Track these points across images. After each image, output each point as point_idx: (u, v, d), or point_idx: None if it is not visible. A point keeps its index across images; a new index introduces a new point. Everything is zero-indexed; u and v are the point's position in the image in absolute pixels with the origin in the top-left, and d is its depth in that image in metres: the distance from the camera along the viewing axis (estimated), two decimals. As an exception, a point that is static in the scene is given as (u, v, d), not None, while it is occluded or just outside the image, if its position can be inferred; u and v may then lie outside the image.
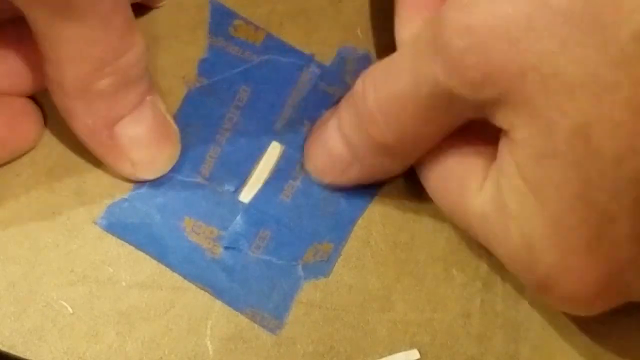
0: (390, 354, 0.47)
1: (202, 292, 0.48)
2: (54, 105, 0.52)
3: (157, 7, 0.52)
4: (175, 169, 0.50)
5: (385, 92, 0.43)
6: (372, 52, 0.53)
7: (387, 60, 0.44)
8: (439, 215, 0.49)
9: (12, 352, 0.47)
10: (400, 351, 0.47)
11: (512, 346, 0.47)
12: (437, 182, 0.45)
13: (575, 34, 0.35)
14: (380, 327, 0.47)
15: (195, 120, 0.51)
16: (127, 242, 0.49)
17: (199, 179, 0.50)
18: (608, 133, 0.36)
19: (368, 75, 0.44)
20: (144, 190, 0.50)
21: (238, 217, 0.49)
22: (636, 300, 0.43)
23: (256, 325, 0.47)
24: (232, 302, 0.48)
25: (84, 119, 0.45)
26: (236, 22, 0.53)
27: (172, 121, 0.49)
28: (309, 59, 0.53)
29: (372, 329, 0.47)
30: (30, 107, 0.49)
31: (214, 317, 0.47)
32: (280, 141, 0.51)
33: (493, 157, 0.42)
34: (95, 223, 0.49)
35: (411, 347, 0.47)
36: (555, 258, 0.39)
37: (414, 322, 0.47)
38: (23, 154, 0.49)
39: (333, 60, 0.53)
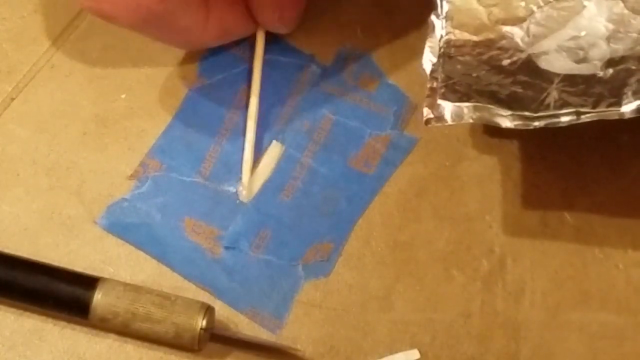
0: (390, 354, 0.47)
1: (202, 292, 0.48)
2: (50, 106, 0.52)
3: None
4: (175, 169, 0.50)
5: None
6: (372, 52, 0.53)
7: None
8: (439, 215, 0.49)
9: (12, 352, 0.47)
10: (400, 351, 0.47)
11: (512, 346, 0.47)
12: None
13: None
14: (380, 327, 0.47)
15: (195, 120, 0.51)
16: (127, 242, 0.49)
17: (199, 179, 0.50)
18: None
19: None
20: (144, 190, 0.50)
21: (238, 217, 0.49)
22: None
23: (256, 325, 0.47)
24: (232, 302, 0.48)
25: None
26: (236, 22, 0.53)
27: None
28: (309, 59, 0.53)
29: (372, 329, 0.47)
30: None
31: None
32: (281, 141, 0.51)
33: None
34: (96, 223, 0.49)
35: (411, 347, 0.47)
36: None
37: (414, 322, 0.47)
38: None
39: (333, 60, 0.53)
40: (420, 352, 0.47)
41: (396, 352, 0.47)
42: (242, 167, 0.50)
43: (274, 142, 0.51)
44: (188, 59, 0.52)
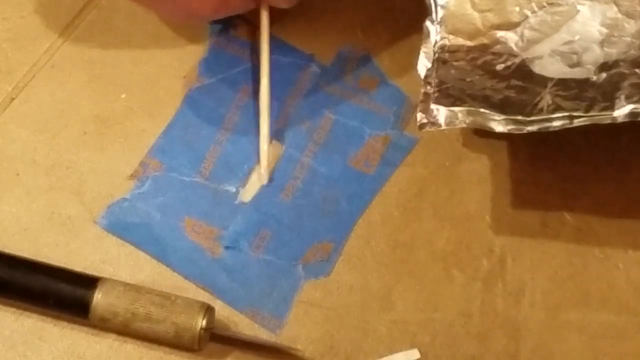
0: (390, 353, 0.47)
1: (202, 292, 0.48)
2: (50, 106, 0.52)
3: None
4: (175, 168, 0.50)
5: None
6: (372, 52, 0.53)
7: None
8: (439, 215, 0.49)
9: (12, 352, 0.47)
10: (400, 351, 0.47)
11: (512, 346, 0.47)
12: None
13: None
14: (380, 327, 0.47)
15: (195, 120, 0.51)
16: (127, 242, 0.49)
17: (199, 179, 0.50)
18: None
19: None
20: (144, 190, 0.50)
21: (238, 217, 0.49)
22: None
23: (256, 325, 0.47)
24: (233, 302, 0.48)
25: None
26: (237, 21, 0.53)
27: None
28: (309, 59, 0.53)
29: (372, 329, 0.47)
30: None
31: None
32: (281, 141, 0.51)
33: None
34: (96, 223, 0.49)
35: (411, 347, 0.47)
36: None
37: (414, 322, 0.47)
38: None
39: (333, 60, 0.53)
40: (420, 352, 0.47)
41: (396, 352, 0.47)
42: (260, 149, 0.49)
43: (274, 141, 0.51)
44: (188, 59, 0.52)
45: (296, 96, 0.52)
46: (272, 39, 0.52)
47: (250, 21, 0.53)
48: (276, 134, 0.51)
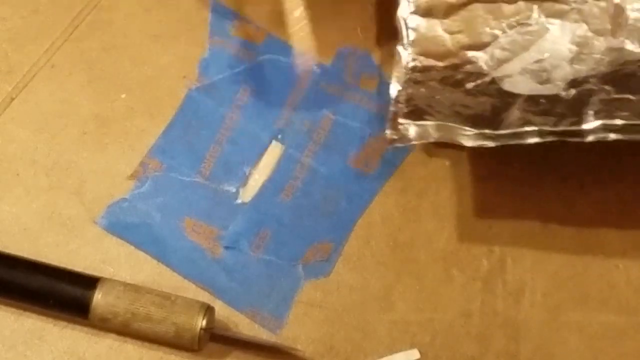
0: (390, 353, 0.47)
1: (202, 292, 0.48)
2: (50, 106, 0.52)
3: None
4: (175, 168, 0.50)
5: None
6: (372, 52, 0.53)
7: None
8: (439, 215, 0.49)
9: (12, 352, 0.47)
10: (400, 351, 0.47)
11: (512, 346, 0.47)
12: None
13: None
14: (380, 327, 0.47)
15: (195, 120, 0.51)
16: (127, 242, 0.49)
17: (199, 179, 0.50)
18: None
19: None
20: (144, 190, 0.50)
21: (238, 217, 0.49)
22: None
23: (256, 325, 0.47)
24: (232, 302, 0.48)
25: None
26: (236, 21, 0.53)
27: None
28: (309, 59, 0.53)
29: (372, 329, 0.47)
30: None
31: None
32: (281, 141, 0.51)
33: None
34: (95, 223, 0.49)
35: (411, 347, 0.47)
36: None
37: (414, 322, 0.47)
38: None
39: (333, 60, 0.53)
40: (420, 352, 0.47)
41: (396, 352, 0.47)
42: None
43: (274, 142, 0.51)
44: (188, 59, 0.52)
45: (296, 96, 0.52)
46: (272, 39, 0.52)
47: (250, 21, 0.53)
48: (276, 134, 0.51)
